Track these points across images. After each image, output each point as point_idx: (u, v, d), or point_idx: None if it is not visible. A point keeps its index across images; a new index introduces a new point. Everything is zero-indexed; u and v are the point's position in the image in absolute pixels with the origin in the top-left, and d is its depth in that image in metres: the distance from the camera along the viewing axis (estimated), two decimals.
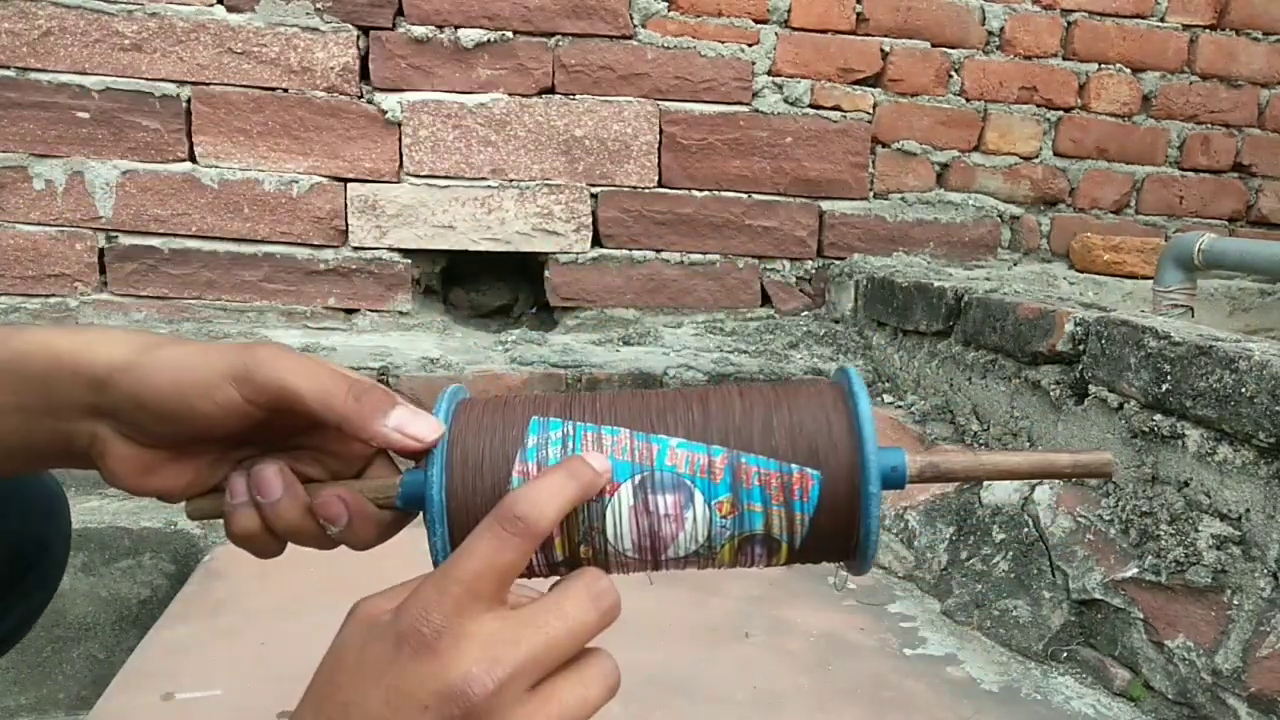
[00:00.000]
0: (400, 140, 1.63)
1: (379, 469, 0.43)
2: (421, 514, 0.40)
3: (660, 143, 1.71)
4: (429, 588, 0.35)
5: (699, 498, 0.39)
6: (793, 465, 0.39)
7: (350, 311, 1.68)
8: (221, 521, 0.41)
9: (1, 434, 0.39)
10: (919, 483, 0.41)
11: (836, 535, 0.40)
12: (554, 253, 1.71)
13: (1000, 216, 1.88)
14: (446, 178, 1.65)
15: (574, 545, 0.39)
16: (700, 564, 0.41)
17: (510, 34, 1.63)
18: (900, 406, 1.46)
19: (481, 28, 1.62)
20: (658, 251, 1.75)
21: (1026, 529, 1.10)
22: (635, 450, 0.39)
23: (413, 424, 0.39)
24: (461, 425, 0.41)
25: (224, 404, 0.38)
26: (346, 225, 1.64)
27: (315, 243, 1.64)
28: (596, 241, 1.73)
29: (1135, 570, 0.96)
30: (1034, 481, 1.13)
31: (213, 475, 0.42)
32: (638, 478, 0.39)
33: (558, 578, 0.39)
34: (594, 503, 0.38)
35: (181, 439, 0.40)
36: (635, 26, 1.67)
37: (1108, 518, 1.02)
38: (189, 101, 1.57)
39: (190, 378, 0.38)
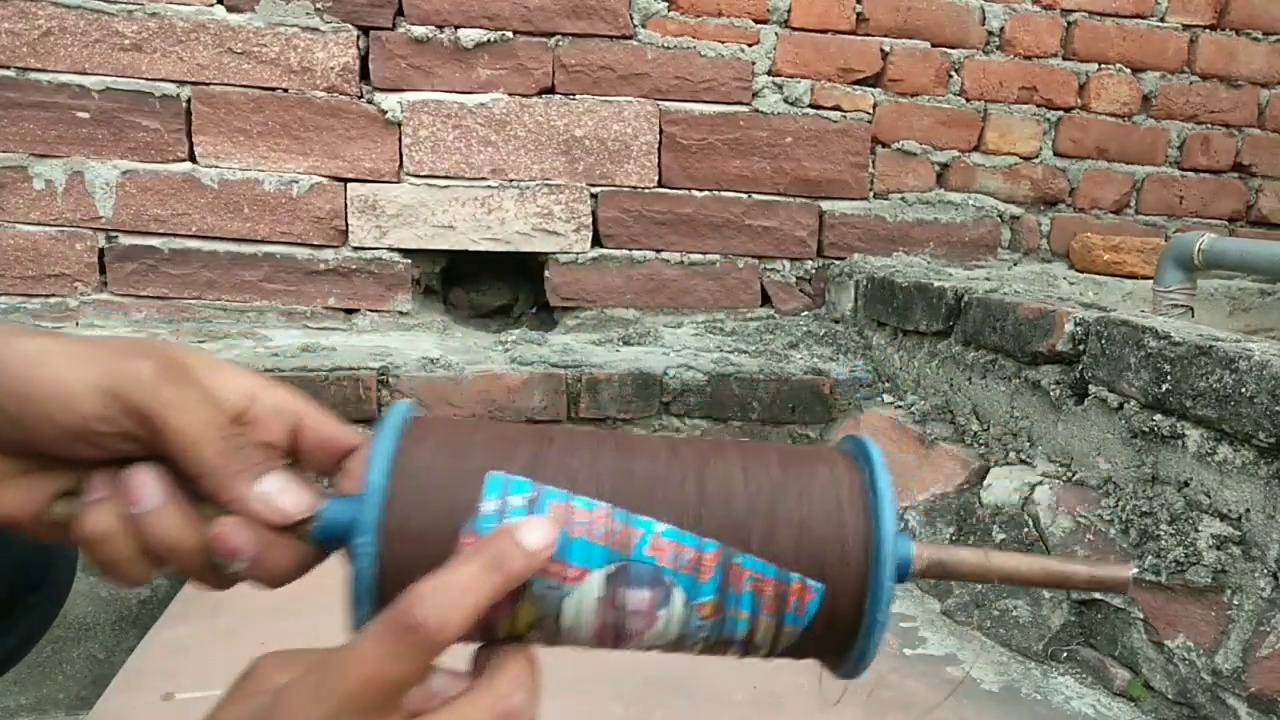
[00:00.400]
0: (400, 140, 1.63)
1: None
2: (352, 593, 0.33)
3: (660, 143, 1.71)
4: (303, 691, 0.28)
5: (679, 597, 0.33)
6: (793, 575, 0.34)
7: (350, 311, 1.68)
8: None
9: None
10: (921, 578, 0.37)
11: (825, 651, 0.36)
12: (554, 253, 1.71)
13: (1000, 216, 1.88)
14: (446, 178, 1.65)
15: (521, 631, 0.34)
16: (664, 651, 0.36)
17: (510, 34, 1.63)
18: (900, 406, 1.46)
19: (481, 28, 1.62)
20: (658, 251, 1.74)
21: (1026, 529, 1.10)
22: (612, 533, 0.33)
23: (282, 496, 0.33)
24: (404, 471, 0.33)
25: (88, 416, 0.31)
26: (346, 225, 1.64)
27: (315, 243, 1.64)
28: (596, 241, 1.72)
29: (1135, 570, 0.96)
30: (1034, 481, 1.13)
31: (48, 502, 0.34)
32: (611, 568, 0.33)
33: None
34: (553, 590, 0.33)
35: (34, 450, 0.32)
36: (635, 26, 1.67)
37: (1108, 518, 1.02)
38: (189, 101, 1.57)
39: (51, 379, 0.30)
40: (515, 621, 0.33)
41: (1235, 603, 0.87)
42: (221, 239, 1.61)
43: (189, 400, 0.32)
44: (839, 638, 0.35)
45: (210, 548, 0.33)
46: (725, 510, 0.34)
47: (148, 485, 0.32)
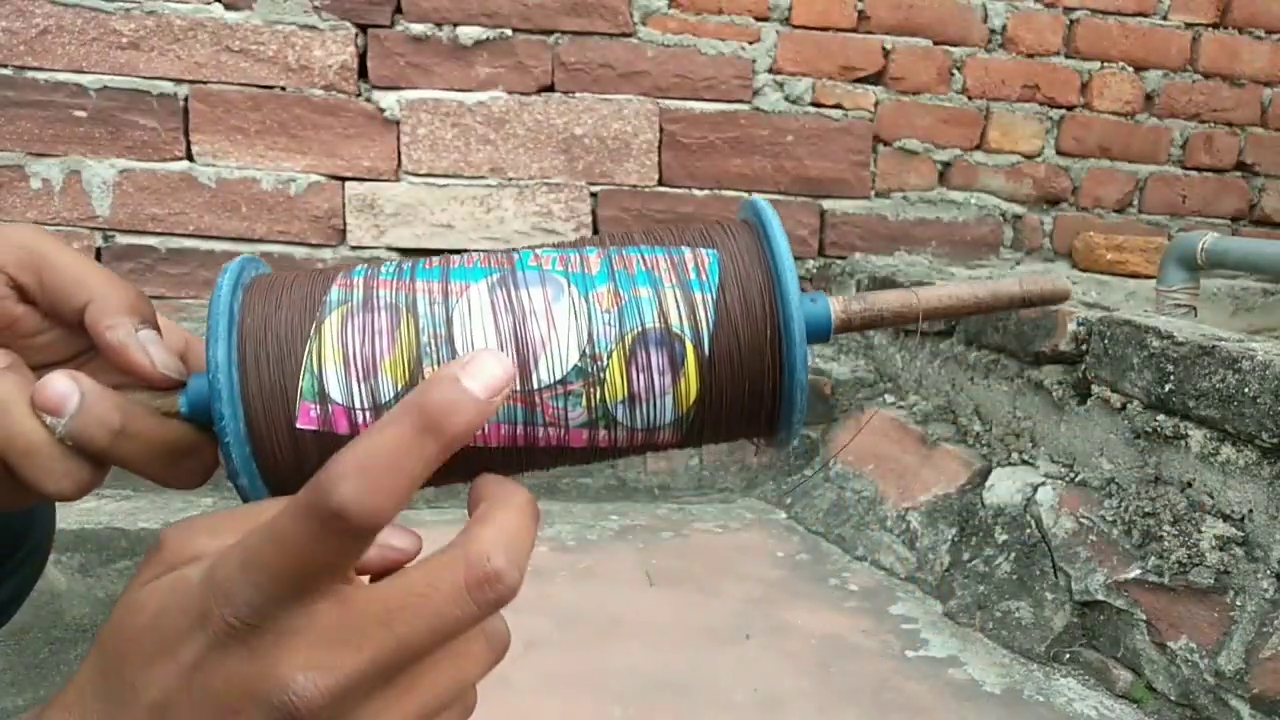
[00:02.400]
0: (398, 139, 1.62)
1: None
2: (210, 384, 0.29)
3: (660, 141, 1.70)
4: (232, 565, 0.24)
5: (572, 291, 0.30)
6: (683, 248, 0.31)
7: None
8: None
9: None
10: (847, 329, 0.33)
11: (753, 333, 0.31)
12: None
13: (1002, 216, 1.87)
14: (445, 176, 1.65)
15: (412, 367, 0.29)
16: (584, 391, 0.30)
17: (509, 32, 1.62)
18: (902, 407, 1.46)
19: (480, 25, 1.61)
20: None
21: (1029, 530, 1.09)
22: (490, 259, 0.31)
23: (158, 348, 0.31)
24: (250, 299, 0.31)
25: None
26: (344, 224, 1.63)
27: (313, 242, 1.63)
28: None
29: (1138, 571, 0.95)
30: (1036, 482, 1.13)
31: None
32: (493, 277, 0.30)
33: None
34: (435, 305, 0.29)
35: None
36: (635, 24, 1.66)
37: (1110, 519, 1.02)
38: (186, 100, 1.56)
39: None
40: (405, 355, 0.29)
41: (1238, 604, 0.86)
42: (219, 238, 1.61)
43: (65, 248, 0.32)
44: (757, 310, 0.31)
45: (38, 399, 0.29)
46: (607, 238, 0.32)
47: (64, 383, 0.29)
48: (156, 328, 0.32)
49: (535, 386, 0.30)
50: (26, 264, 0.31)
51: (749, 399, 0.32)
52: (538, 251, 0.32)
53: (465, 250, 0.33)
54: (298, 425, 0.29)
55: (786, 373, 0.31)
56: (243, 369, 0.29)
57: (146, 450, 0.31)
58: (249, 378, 0.29)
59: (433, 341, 0.29)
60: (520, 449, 0.31)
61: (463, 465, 0.27)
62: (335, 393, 0.29)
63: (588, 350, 0.30)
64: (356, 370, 0.29)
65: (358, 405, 0.29)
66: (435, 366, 0.29)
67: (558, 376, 0.30)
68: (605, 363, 0.30)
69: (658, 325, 0.30)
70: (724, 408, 0.32)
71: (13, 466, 0.30)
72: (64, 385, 0.29)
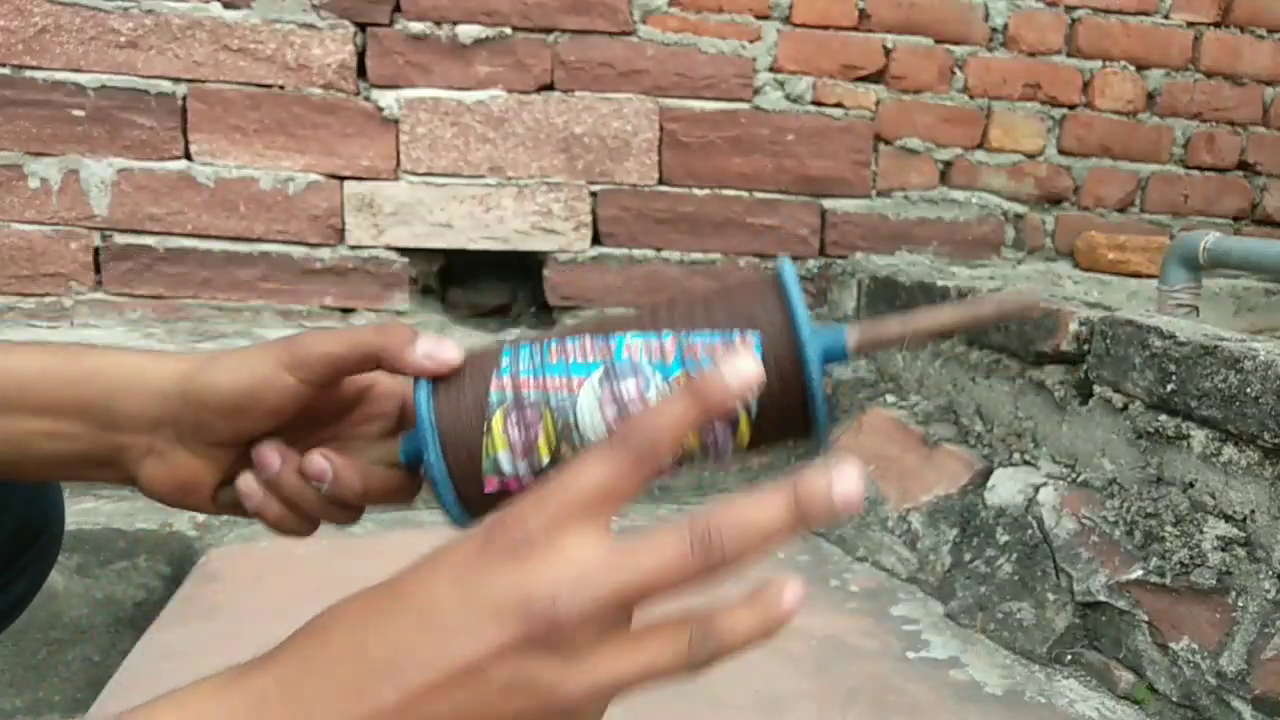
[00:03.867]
0: (398, 138, 1.62)
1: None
2: (423, 466, 0.42)
3: (660, 140, 1.70)
4: (528, 499, 0.33)
5: (656, 377, 0.40)
6: (734, 332, 0.41)
7: (347, 311, 1.67)
8: (218, 524, 0.45)
9: (62, 445, 0.43)
10: (861, 351, 0.43)
11: (786, 393, 0.41)
12: (553, 251, 1.70)
13: (1004, 215, 1.87)
14: (444, 175, 1.64)
15: (554, 446, 0.40)
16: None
17: (509, 30, 1.62)
18: (904, 407, 1.45)
19: (480, 24, 1.60)
20: (658, 250, 1.73)
21: (1030, 531, 1.09)
22: (594, 349, 0.41)
23: (439, 349, 0.42)
24: (438, 404, 0.43)
25: (283, 391, 0.42)
26: (343, 223, 1.63)
27: (312, 241, 1.63)
28: (596, 240, 1.71)
29: (1140, 572, 0.95)
30: (1038, 482, 1.12)
31: (232, 473, 0.45)
32: (601, 371, 0.41)
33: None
34: (564, 398, 0.40)
35: (239, 437, 0.43)
36: (635, 23, 1.66)
37: (1112, 519, 1.01)
38: (185, 99, 1.56)
39: (247, 375, 0.42)
40: (549, 437, 0.41)
41: (1240, 605, 0.86)
42: (217, 238, 1.60)
43: (342, 333, 0.44)
44: (788, 374, 0.41)
45: (303, 473, 0.43)
46: (673, 312, 0.42)
47: (268, 454, 0.43)
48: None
49: None
50: (328, 372, 0.43)
51: (787, 425, 0.43)
52: (629, 341, 0.42)
53: (573, 332, 0.43)
54: (485, 491, 0.42)
55: (813, 417, 0.42)
56: (447, 463, 0.41)
57: (381, 493, 0.44)
58: (452, 468, 0.41)
59: (566, 428, 0.41)
60: None
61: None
62: (506, 468, 0.41)
63: None
64: (519, 452, 0.41)
65: (522, 475, 0.41)
66: (570, 444, 0.40)
67: None
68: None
69: None
70: (772, 435, 0.43)
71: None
72: (321, 464, 0.43)
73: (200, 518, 1.23)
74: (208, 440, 0.43)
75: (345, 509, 0.45)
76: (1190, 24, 1.88)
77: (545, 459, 0.41)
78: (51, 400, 0.42)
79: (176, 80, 1.55)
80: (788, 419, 0.42)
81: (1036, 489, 1.12)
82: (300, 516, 0.44)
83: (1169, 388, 0.96)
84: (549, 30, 1.63)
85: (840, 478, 0.32)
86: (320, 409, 0.45)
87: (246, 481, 0.43)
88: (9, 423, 0.42)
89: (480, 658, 0.30)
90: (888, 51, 1.77)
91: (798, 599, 0.34)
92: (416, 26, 1.59)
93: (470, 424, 0.41)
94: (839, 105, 1.76)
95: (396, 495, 0.45)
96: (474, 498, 0.42)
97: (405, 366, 0.42)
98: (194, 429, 0.42)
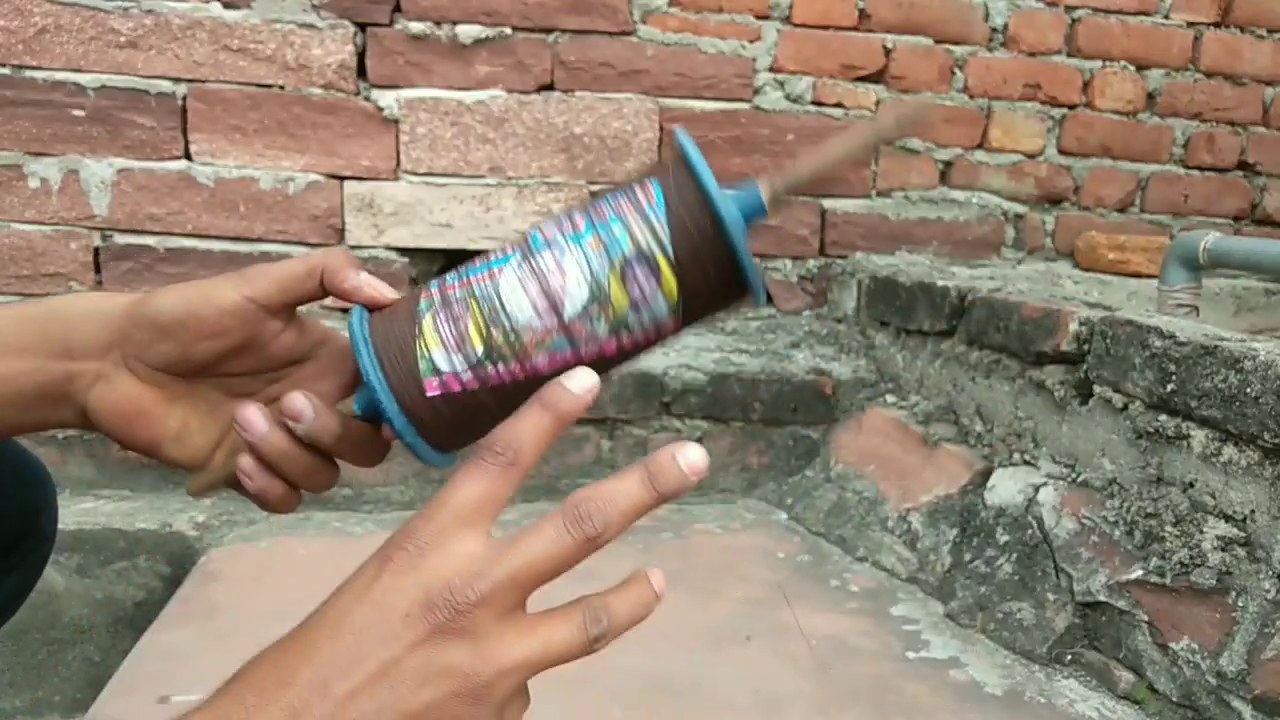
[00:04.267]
0: (398, 138, 1.62)
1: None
2: (384, 419, 0.42)
3: (660, 140, 1.70)
4: (416, 517, 0.36)
5: (571, 247, 0.42)
6: (633, 184, 0.43)
7: (347, 311, 1.66)
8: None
9: (20, 384, 0.43)
10: (779, 201, 0.44)
11: (702, 235, 0.41)
12: None
13: (1004, 215, 1.87)
14: (444, 175, 1.64)
15: (485, 333, 0.41)
16: (601, 311, 0.42)
17: (509, 30, 1.62)
18: (903, 407, 1.45)
19: (480, 24, 1.60)
20: None
21: (1030, 531, 1.09)
22: (512, 245, 0.43)
23: (379, 282, 0.45)
24: (373, 324, 0.44)
25: (226, 307, 0.43)
26: (343, 223, 1.63)
27: (312, 241, 1.63)
28: None
29: (1140, 572, 0.95)
30: (1038, 482, 1.12)
31: (201, 427, 0.46)
32: (516, 257, 0.42)
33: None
34: (487, 285, 0.42)
35: (181, 362, 0.44)
36: (635, 23, 1.66)
37: (1112, 519, 1.01)
38: (185, 99, 1.56)
39: (191, 294, 0.43)
40: (479, 326, 0.41)
41: (1240, 605, 0.86)
42: (217, 238, 1.60)
43: (292, 261, 0.45)
44: (698, 214, 0.42)
45: (282, 415, 0.43)
46: (584, 199, 0.46)
47: (253, 415, 0.43)
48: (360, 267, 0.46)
49: (568, 320, 0.42)
50: (273, 288, 0.44)
51: (716, 277, 0.42)
52: (542, 229, 0.43)
53: (490, 250, 0.44)
54: (427, 395, 0.42)
55: (732, 247, 0.41)
56: (385, 373, 0.41)
57: (353, 446, 0.44)
58: (390, 377, 0.41)
59: (492, 312, 0.41)
60: (573, 366, 0.41)
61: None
62: (443, 365, 0.41)
63: (592, 283, 0.41)
64: (451, 346, 0.41)
65: (460, 370, 0.42)
66: (499, 327, 0.41)
67: (579, 308, 0.41)
68: (607, 287, 0.41)
69: (632, 249, 0.41)
70: (702, 289, 0.42)
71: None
72: (301, 402, 0.43)
73: (200, 518, 1.23)
74: (153, 363, 0.43)
75: (323, 470, 0.45)
76: (1190, 24, 1.88)
77: (479, 348, 0.41)
78: (13, 339, 0.43)
79: (176, 80, 1.55)
80: (714, 266, 0.42)
81: (1036, 489, 1.12)
82: (284, 486, 0.44)
83: (1169, 388, 0.96)
84: (549, 30, 1.63)
85: (683, 450, 0.37)
86: (273, 353, 0.46)
87: (245, 462, 0.44)
88: None
89: (394, 655, 0.33)
90: (888, 51, 1.77)
91: (663, 583, 0.39)
92: (416, 26, 1.59)
93: (403, 332, 0.42)
94: (839, 105, 1.76)
95: (369, 451, 0.46)
96: (419, 407, 0.42)
97: (344, 286, 0.44)
98: (139, 349, 0.43)
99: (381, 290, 0.44)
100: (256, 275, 0.44)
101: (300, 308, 0.47)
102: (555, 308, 0.41)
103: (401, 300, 0.44)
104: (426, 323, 0.42)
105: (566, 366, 0.40)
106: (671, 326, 0.43)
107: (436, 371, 0.41)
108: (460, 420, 0.43)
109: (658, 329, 0.43)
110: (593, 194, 0.48)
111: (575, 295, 0.41)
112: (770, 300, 0.44)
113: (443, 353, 0.41)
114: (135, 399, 0.44)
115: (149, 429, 0.45)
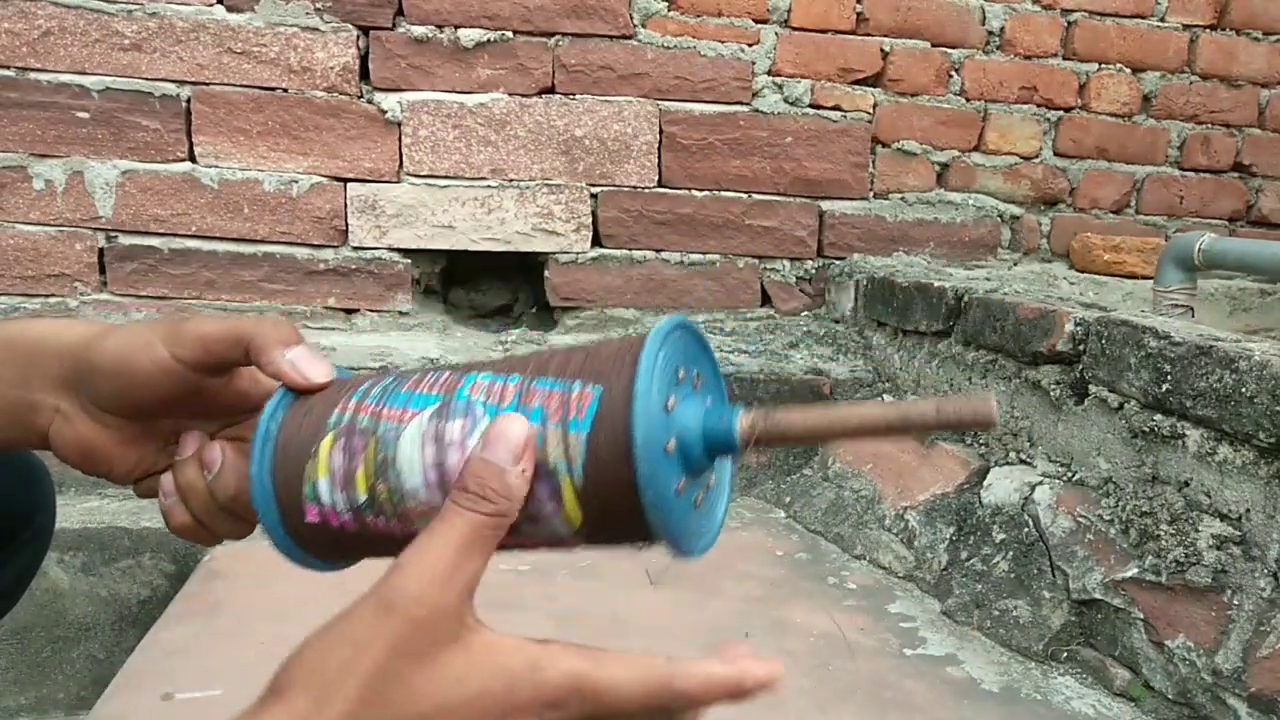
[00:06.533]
0: (400, 140, 1.63)
1: None
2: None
3: (660, 142, 1.71)
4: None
5: (485, 419, 0.36)
6: (576, 382, 0.36)
7: (350, 311, 1.67)
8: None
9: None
10: (756, 444, 0.36)
11: (616, 483, 0.34)
12: (554, 252, 1.71)
13: (1000, 216, 1.88)
14: (446, 177, 1.65)
15: (371, 482, 0.37)
16: None
17: (510, 34, 1.63)
18: None
19: (481, 28, 1.62)
20: (658, 251, 1.74)
21: (1027, 529, 1.10)
22: (443, 384, 0.38)
23: (307, 363, 0.41)
24: (288, 417, 0.41)
25: (157, 361, 0.42)
26: (346, 225, 1.64)
27: (315, 242, 1.64)
28: (596, 241, 1.72)
29: (1135, 570, 0.96)
30: (1034, 481, 1.13)
31: (156, 461, 0.46)
32: (436, 405, 0.37)
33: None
34: (391, 428, 0.37)
35: (127, 406, 0.44)
36: (635, 26, 1.67)
37: (1108, 518, 1.02)
38: (189, 101, 1.57)
39: (130, 342, 0.43)
40: (368, 471, 0.37)
41: (1235, 603, 0.87)
42: (221, 239, 1.61)
43: (228, 320, 0.44)
44: (623, 448, 0.34)
45: (202, 456, 0.44)
46: (543, 359, 0.38)
47: (216, 452, 0.43)
48: (299, 341, 0.43)
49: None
50: (197, 350, 0.43)
51: (627, 526, 0.35)
52: (476, 381, 0.38)
53: (436, 368, 0.40)
54: (305, 520, 0.39)
55: (646, 504, 0.34)
56: (273, 478, 0.39)
57: (249, 513, 0.42)
58: (278, 485, 0.39)
59: (384, 463, 0.37)
60: None
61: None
62: (325, 498, 0.38)
63: None
64: (338, 482, 0.38)
65: (340, 509, 0.38)
66: (386, 483, 0.37)
67: None
68: None
69: (539, 458, 0.35)
70: (610, 530, 0.36)
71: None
72: (215, 454, 0.43)
73: None
74: (102, 406, 0.44)
75: (235, 520, 0.44)
76: (1186, 26, 1.89)
77: (363, 495, 0.37)
78: None
79: (180, 83, 1.56)
80: (626, 516, 0.35)
81: (1033, 488, 1.13)
82: (190, 517, 0.44)
83: (1164, 387, 0.97)
84: (550, 34, 1.64)
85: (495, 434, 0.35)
86: (224, 402, 0.46)
87: (166, 478, 0.44)
88: None
89: None
90: (885, 55, 1.78)
91: (770, 676, 0.35)
92: (419, 30, 1.60)
93: (303, 444, 0.38)
94: (837, 108, 1.77)
95: (241, 525, 0.45)
96: (297, 525, 0.39)
97: (269, 365, 0.41)
98: (89, 393, 0.44)
99: (308, 374, 0.41)
100: (185, 335, 0.43)
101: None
102: (443, 485, 0.36)
103: (322, 395, 0.40)
104: (325, 444, 0.38)
105: None
106: (574, 544, 0.37)
107: (318, 500, 0.38)
108: (337, 546, 0.40)
109: (557, 542, 0.37)
110: (546, 355, 0.38)
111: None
112: (694, 552, 0.36)
113: (328, 485, 0.38)
114: (90, 439, 0.44)
115: (107, 465, 0.45)
